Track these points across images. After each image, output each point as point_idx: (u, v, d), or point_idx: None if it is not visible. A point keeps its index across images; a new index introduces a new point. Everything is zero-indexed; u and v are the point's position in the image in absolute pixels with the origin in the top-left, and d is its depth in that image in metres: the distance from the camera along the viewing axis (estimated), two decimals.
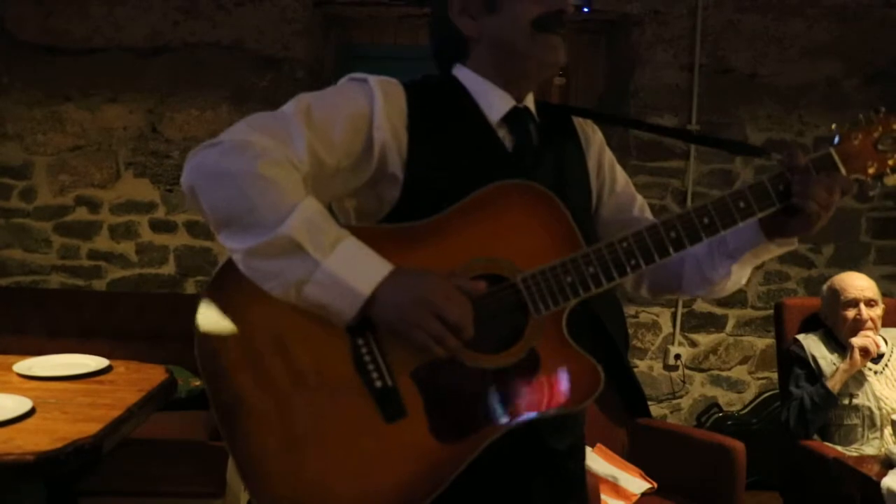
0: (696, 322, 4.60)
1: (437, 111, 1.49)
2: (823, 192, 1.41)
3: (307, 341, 1.34)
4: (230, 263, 1.33)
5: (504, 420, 1.36)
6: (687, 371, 4.62)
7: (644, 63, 4.46)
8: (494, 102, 1.53)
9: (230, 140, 1.31)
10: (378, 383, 1.33)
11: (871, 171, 1.48)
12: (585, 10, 4.32)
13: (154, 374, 3.01)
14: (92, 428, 2.35)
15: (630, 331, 4.37)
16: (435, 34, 1.66)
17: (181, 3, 4.39)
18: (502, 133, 1.53)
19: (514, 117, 1.55)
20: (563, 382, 1.38)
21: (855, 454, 3.10)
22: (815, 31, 4.50)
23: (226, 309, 1.36)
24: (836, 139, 1.50)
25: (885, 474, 2.73)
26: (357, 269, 1.28)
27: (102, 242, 4.49)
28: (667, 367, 4.60)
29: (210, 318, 1.37)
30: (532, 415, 1.37)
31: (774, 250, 1.54)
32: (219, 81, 4.42)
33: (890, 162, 1.49)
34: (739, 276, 1.60)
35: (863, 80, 4.54)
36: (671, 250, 1.41)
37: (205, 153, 1.31)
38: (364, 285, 1.27)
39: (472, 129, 1.51)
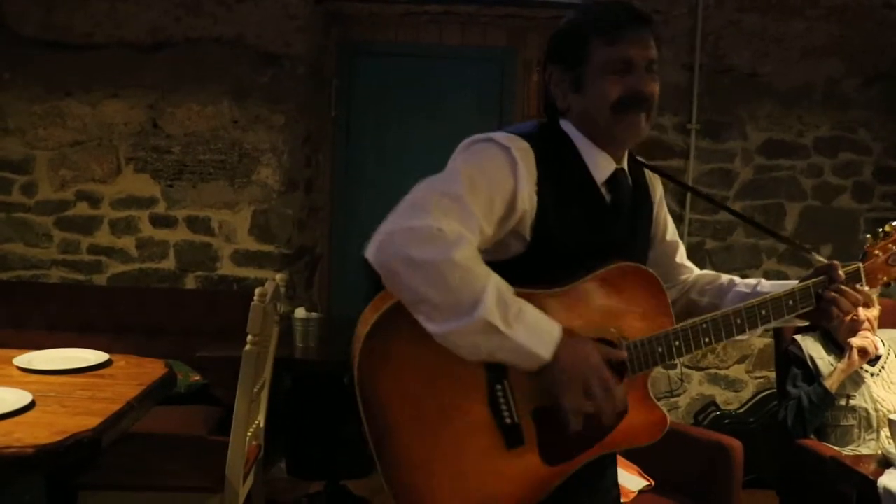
0: None
1: (557, 172, 1.66)
2: (850, 304, 1.78)
3: (451, 381, 1.57)
4: (390, 315, 1.52)
5: (594, 450, 1.68)
6: (685, 369, 4.63)
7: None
8: (600, 164, 1.72)
9: (425, 226, 1.45)
10: (508, 420, 1.60)
11: (882, 282, 1.86)
12: None
13: (153, 369, 3.02)
14: (91, 421, 2.36)
15: None
16: (544, 92, 1.79)
17: None
18: (604, 191, 1.74)
19: (614, 178, 1.74)
20: (640, 427, 1.73)
21: (852, 454, 3.11)
22: (816, 31, 4.51)
23: (386, 347, 1.55)
24: (863, 256, 1.85)
25: (881, 473, 2.73)
26: (537, 336, 1.50)
27: (103, 237, 4.50)
28: (665, 366, 4.61)
29: (372, 353, 1.55)
30: (614, 449, 1.74)
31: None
32: (220, 77, 4.43)
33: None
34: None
35: (863, 81, 4.55)
36: (735, 333, 1.76)
37: (403, 236, 1.46)
38: (545, 351, 1.50)
39: (583, 189, 1.71)
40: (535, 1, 4.51)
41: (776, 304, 1.78)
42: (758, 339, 4.58)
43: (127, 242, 4.51)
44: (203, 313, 4.19)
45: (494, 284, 1.46)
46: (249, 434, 2.99)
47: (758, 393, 4.60)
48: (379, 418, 1.55)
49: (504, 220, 1.58)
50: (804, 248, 2.03)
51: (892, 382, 3.28)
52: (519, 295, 1.52)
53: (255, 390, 3.00)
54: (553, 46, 1.73)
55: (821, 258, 1.84)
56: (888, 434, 3.04)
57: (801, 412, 3.24)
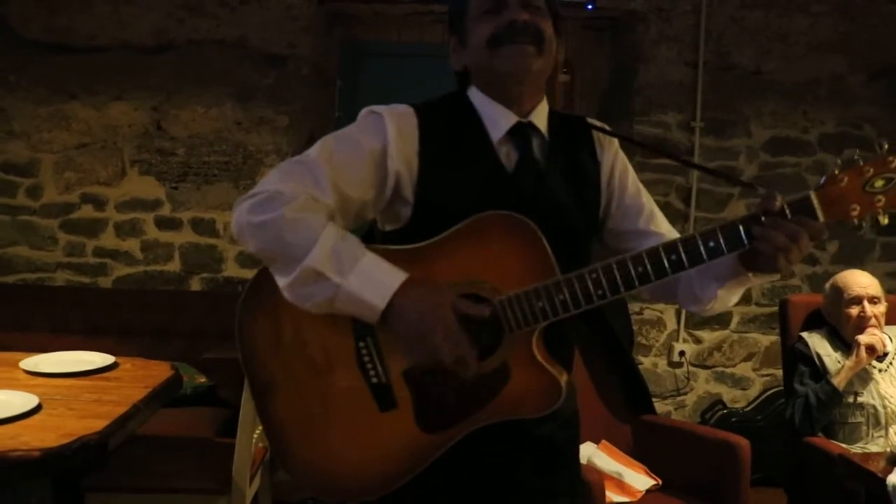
0: (701, 319, 4.60)
1: (445, 134, 1.64)
2: (783, 237, 1.44)
3: (321, 339, 1.59)
4: (263, 272, 1.59)
5: (475, 419, 1.57)
6: (691, 368, 4.62)
7: (648, 60, 4.46)
8: (498, 120, 1.66)
9: (264, 191, 1.53)
10: (374, 379, 1.58)
11: (854, 213, 1.48)
12: (589, 7, 4.32)
13: (159, 371, 3.01)
14: (98, 424, 2.36)
15: (635, 328, 4.39)
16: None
17: (186, 0, 4.40)
18: (506, 150, 1.66)
19: (518, 133, 1.66)
20: (527, 393, 1.56)
21: (860, 452, 3.10)
22: (820, 27, 4.49)
23: (261, 308, 1.63)
24: (822, 181, 1.49)
25: (890, 471, 2.73)
26: (372, 285, 1.46)
27: (108, 240, 4.50)
28: (671, 364, 4.60)
29: (248, 314, 1.64)
30: (498, 419, 1.58)
31: (754, 280, 1.61)
32: (223, 79, 4.43)
33: (879, 204, 1.48)
34: (726, 299, 1.70)
35: (868, 77, 4.54)
36: (637, 284, 1.51)
37: (244, 206, 1.54)
38: (380, 300, 1.45)
39: (474, 149, 1.64)
40: None
41: (690, 247, 1.49)
42: (764, 337, 4.58)
43: (132, 245, 4.51)
44: (208, 315, 4.19)
45: (330, 235, 1.47)
46: (256, 436, 2.99)
47: (765, 391, 4.59)
48: (258, 375, 1.64)
49: (378, 182, 1.60)
50: (752, 185, 1.88)
51: None
52: (377, 252, 1.51)
53: None
54: (448, 18, 1.76)
55: (762, 190, 1.56)
56: None
57: (808, 410, 3.24)
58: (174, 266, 4.52)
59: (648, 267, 1.49)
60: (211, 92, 4.44)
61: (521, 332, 1.53)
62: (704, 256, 1.49)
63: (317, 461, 1.63)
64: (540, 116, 1.70)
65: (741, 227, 1.48)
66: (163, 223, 4.50)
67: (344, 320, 1.55)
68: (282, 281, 1.50)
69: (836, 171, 1.47)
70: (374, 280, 1.46)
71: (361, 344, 1.57)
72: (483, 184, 1.61)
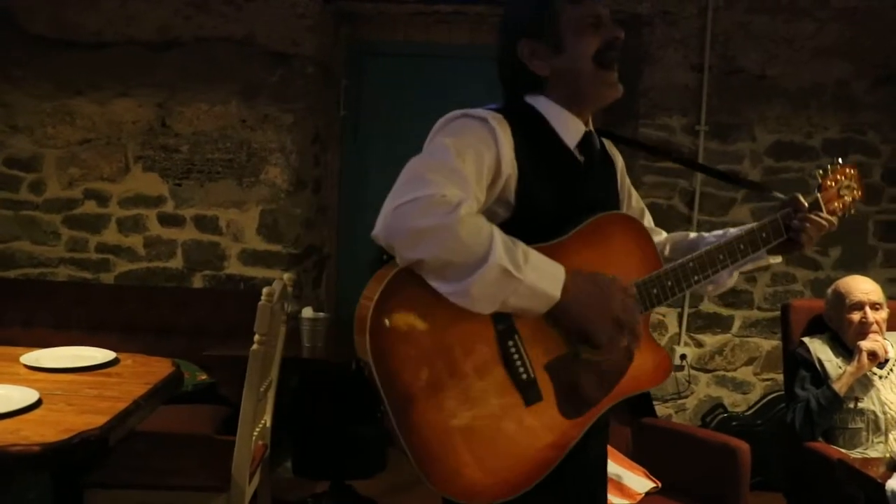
0: (703, 322, 4.60)
1: (531, 141, 1.73)
2: (816, 229, 1.96)
3: (462, 344, 1.59)
4: (395, 281, 1.54)
5: (609, 399, 1.73)
6: (692, 371, 4.62)
7: (654, 63, 4.47)
8: (571, 129, 1.80)
9: (422, 196, 1.50)
10: (524, 376, 1.63)
11: (837, 209, 2.07)
12: None
13: (160, 368, 3.02)
14: (98, 420, 2.36)
15: None
16: (507, 73, 1.86)
17: None
18: (576, 153, 1.82)
19: (585, 141, 1.83)
20: (646, 370, 1.80)
21: (860, 457, 3.10)
22: (825, 32, 4.49)
23: (394, 316, 1.55)
24: (818, 188, 2.04)
25: (889, 477, 2.72)
26: (545, 276, 1.56)
27: (111, 236, 4.51)
28: (673, 368, 4.60)
29: (382, 324, 1.55)
30: (626, 395, 1.76)
31: (769, 260, 2.05)
32: (229, 76, 4.44)
33: (847, 199, 2.10)
34: (734, 279, 2.10)
35: (873, 82, 4.53)
36: (719, 268, 1.88)
37: (402, 211, 1.51)
38: (554, 289, 1.56)
39: (559, 156, 1.79)
40: None
41: (752, 238, 1.92)
42: (765, 342, 4.58)
43: (135, 241, 4.52)
44: (210, 312, 4.20)
45: (498, 233, 1.53)
46: (256, 433, 2.99)
47: (766, 395, 4.59)
48: (396, 390, 1.54)
49: (492, 186, 1.66)
50: (767, 188, 2.26)
51: None
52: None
53: (262, 390, 3.00)
54: (516, 22, 1.81)
55: (780, 195, 2.05)
56: None
57: (809, 415, 3.23)
58: (177, 263, 4.52)
59: (727, 256, 1.88)
60: (216, 89, 4.45)
61: (640, 317, 1.72)
62: (760, 245, 1.93)
63: (465, 469, 1.58)
64: (591, 125, 1.87)
65: (781, 222, 1.95)
66: (166, 220, 4.51)
67: (485, 323, 1.59)
68: (455, 286, 1.51)
69: (824, 179, 2.07)
70: (546, 272, 1.56)
71: (510, 343, 1.62)
72: (569, 187, 1.77)
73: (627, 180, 2.07)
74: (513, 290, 1.52)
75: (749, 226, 1.95)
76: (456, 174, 1.57)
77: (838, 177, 2.08)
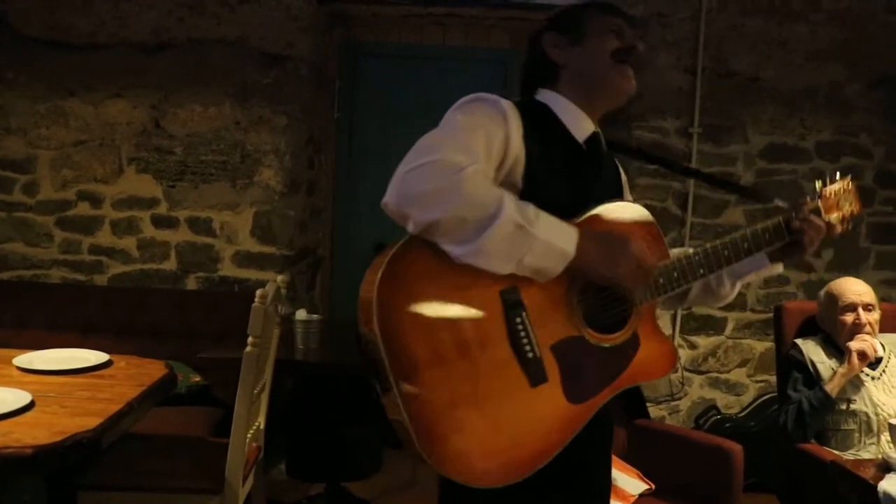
0: (696, 324, 4.62)
1: (539, 130, 1.77)
2: (815, 233, 1.95)
3: (470, 318, 1.59)
4: (400, 254, 1.56)
5: (615, 386, 1.74)
6: (686, 373, 4.63)
7: (647, 65, 4.47)
8: (581, 125, 1.85)
9: (428, 161, 1.54)
10: (530, 354, 1.62)
11: (834, 217, 2.06)
12: None
13: (154, 370, 3.02)
14: (91, 422, 2.35)
15: None
16: (527, 64, 1.95)
17: None
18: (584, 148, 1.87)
19: (593, 140, 1.88)
20: (652, 359, 1.81)
21: (852, 458, 3.11)
22: (819, 35, 4.51)
23: (404, 290, 1.56)
24: (819, 196, 2.05)
25: (881, 478, 2.73)
26: (559, 233, 1.59)
27: (104, 237, 4.51)
28: (678, 359, 4.61)
29: (389, 296, 1.54)
30: (632, 383, 1.77)
31: (771, 269, 2.06)
32: (223, 78, 4.44)
33: (847, 211, 2.09)
34: (736, 290, 2.10)
35: (865, 85, 4.55)
36: (724, 263, 1.88)
37: (410, 176, 1.55)
38: (569, 245, 1.59)
39: (568, 149, 1.82)
40: (538, 4, 4.51)
41: (755, 237, 1.92)
42: (759, 343, 4.60)
43: (128, 243, 4.52)
44: (204, 314, 4.20)
45: (508, 193, 1.57)
46: (250, 435, 3.00)
47: (759, 397, 4.60)
48: (402, 359, 1.53)
49: (500, 166, 1.69)
50: (768, 196, 2.22)
51: (892, 387, 3.28)
52: None
53: (256, 392, 3.00)
54: (551, 20, 1.91)
55: (781, 202, 2.07)
56: (888, 438, 3.05)
57: (801, 416, 3.25)
58: (170, 265, 4.52)
59: (731, 251, 1.88)
60: (210, 91, 4.45)
61: (646, 306, 1.79)
62: (763, 244, 1.92)
63: (467, 447, 1.57)
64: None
65: (783, 225, 1.94)
66: (159, 222, 4.51)
67: (492, 299, 1.60)
68: (470, 246, 1.53)
69: (822, 188, 2.06)
70: (560, 229, 1.59)
71: (518, 319, 1.62)
72: (577, 176, 1.81)
73: (626, 186, 2.10)
74: (528, 247, 1.54)
75: (752, 227, 1.96)
76: (465, 145, 1.60)
77: (837, 187, 2.09)
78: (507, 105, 1.72)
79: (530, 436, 1.62)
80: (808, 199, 2.02)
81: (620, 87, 1.83)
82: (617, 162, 2.05)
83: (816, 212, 2.00)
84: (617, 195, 1.97)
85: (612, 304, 1.75)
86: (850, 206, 2.11)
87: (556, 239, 1.58)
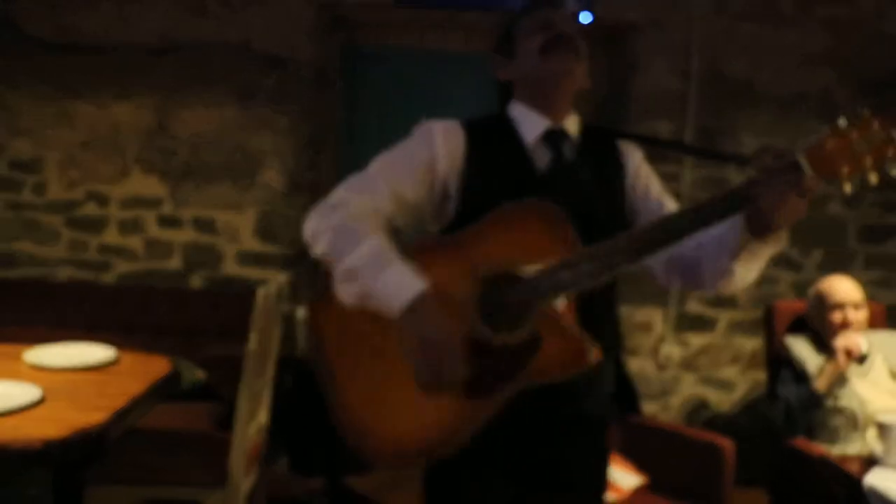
0: (688, 323, 4.66)
1: (487, 142, 1.88)
2: (775, 193, 1.58)
3: (379, 327, 1.74)
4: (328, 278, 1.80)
5: (515, 383, 1.72)
6: (678, 370, 4.68)
7: (643, 70, 4.52)
8: (531, 125, 1.89)
9: (333, 202, 1.82)
10: None
11: (845, 171, 1.56)
12: (588, 18, 4.38)
13: (159, 366, 3.03)
14: (98, 417, 2.38)
15: (622, 330, 4.45)
16: (497, 88, 2.03)
17: (190, 2, 4.47)
18: (540, 153, 1.88)
19: (551, 138, 1.89)
20: (558, 358, 1.71)
21: (839, 454, 3.16)
22: (810, 41, 4.55)
23: (328, 305, 1.83)
24: (811, 143, 1.58)
25: (867, 472, 2.80)
26: (395, 291, 1.67)
27: (111, 237, 4.57)
28: (658, 367, 4.66)
29: (319, 310, 1.89)
30: (533, 381, 1.71)
31: (766, 248, 1.72)
32: (225, 80, 4.49)
33: (866, 162, 1.55)
34: (745, 274, 1.80)
35: (856, 90, 4.59)
36: (656, 248, 1.69)
37: (317, 213, 1.82)
38: (397, 305, 1.66)
39: (509, 152, 1.88)
40: None
41: (701, 212, 1.65)
42: (749, 341, 4.64)
43: (134, 242, 4.58)
44: (208, 313, 4.25)
45: (372, 243, 1.73)
46: (252, 431, 3.04)
47: (749, 394, 4.65)
48: (324, 365, 1.86)
49: (429, 185, 1.85)
50: (738, 157, 2.07)
51: (877, 383, 3.33)
52: (426, 238, 1.88)
53: (258, 388, 3.04)
54: (496, 41, 2.00)
55: (739, 155, 1.92)
56: (874, 434, 3.10)
57: (790, 413, 3.29)
58: (175, 264, 4.58)
59: (668, 233, 1.67)
60: (213, 92, 4.50)
61: (551, 304, 1.71)
62: (713, 217, 1.64)
63: (377, 431, 1.80)
64: (570, 125, 1.94)
65: (748, 193, 1.61)
66: (164, 221, 4.57)
67: None
68: (336, 276, 1.75)
69: (825, 136, 1.57)
70: (398, 286, 1.67)
71: None
72: (517, 182, 1.83)
73: (647, 178, 2.00)
74: (365, 294, 1.71)
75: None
76: (367, 180, 1.86)
77: (852, 132, 1.55)
78: (446, 129, 1.88)
79: (429, 425, 1.75)
80: (776, 152, 1.61)
81: (556, 74, 1.87)
82: (622, 149, 1.99)
83: (794, 165, 1.57)
84: (602, 189, 1.88)
85: (512, 305, 1.73)
86: (871, 156, 1.55)
87: (388, 296, 1.68)
